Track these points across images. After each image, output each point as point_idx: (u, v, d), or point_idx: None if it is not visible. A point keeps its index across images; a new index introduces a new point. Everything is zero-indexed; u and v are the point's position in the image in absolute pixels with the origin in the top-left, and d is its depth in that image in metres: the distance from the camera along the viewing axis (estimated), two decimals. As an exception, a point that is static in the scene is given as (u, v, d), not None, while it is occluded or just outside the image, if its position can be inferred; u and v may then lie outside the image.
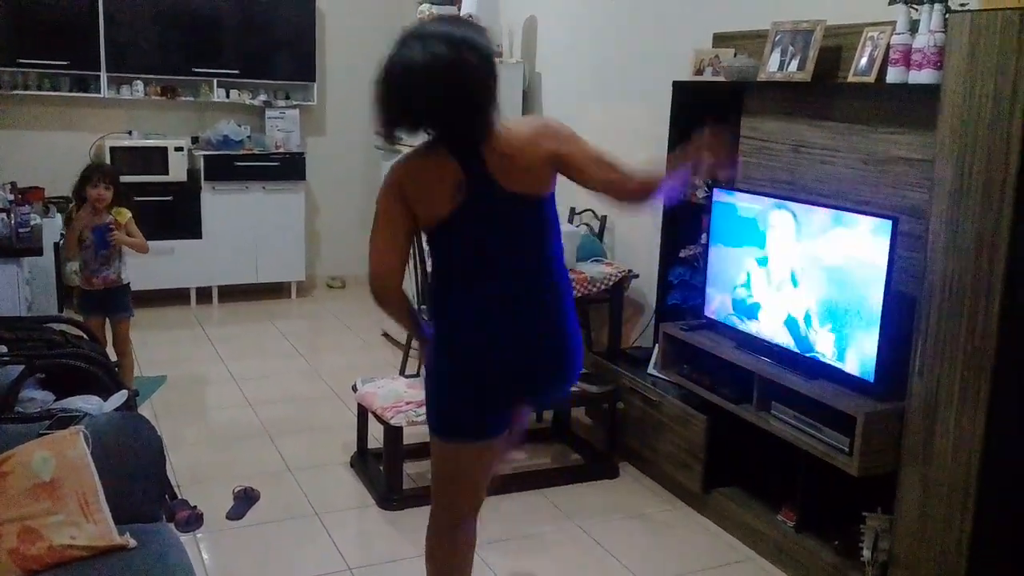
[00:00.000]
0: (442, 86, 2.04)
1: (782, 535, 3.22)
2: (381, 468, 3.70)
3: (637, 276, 4.40)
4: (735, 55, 3.63)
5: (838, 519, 3.09)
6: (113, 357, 3.87)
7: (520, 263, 2.22)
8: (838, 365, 2.98)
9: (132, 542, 2.27)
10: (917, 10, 2.79)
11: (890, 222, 2.78)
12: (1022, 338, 2.49)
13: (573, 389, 3.87)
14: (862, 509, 2.94)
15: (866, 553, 2.89)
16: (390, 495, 3.55)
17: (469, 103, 2.08)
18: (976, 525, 2.55)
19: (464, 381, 2.24)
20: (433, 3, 5.96)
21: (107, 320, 4.29)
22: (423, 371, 2.43)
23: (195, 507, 3.38)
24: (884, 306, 2.80)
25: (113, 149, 6.11)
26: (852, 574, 2.93)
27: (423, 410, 2.74)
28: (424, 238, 2.29)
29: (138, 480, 2.51)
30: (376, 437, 3.85)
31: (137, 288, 6.29)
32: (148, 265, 6.17)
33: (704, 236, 3.69)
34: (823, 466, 2.96)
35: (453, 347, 2.24)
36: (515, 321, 2.21)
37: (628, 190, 2.24)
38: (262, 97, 6.64)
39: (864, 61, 3.00)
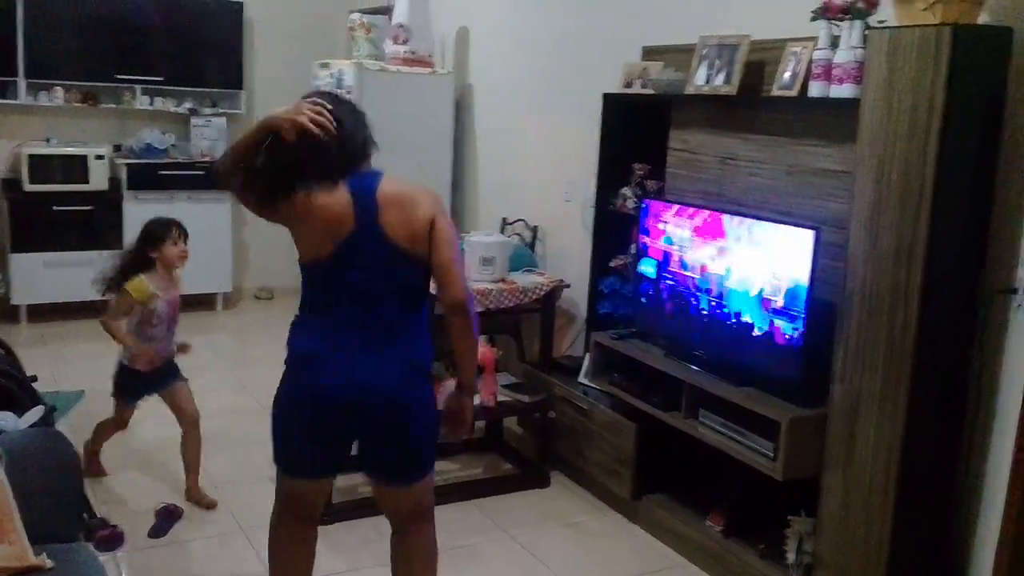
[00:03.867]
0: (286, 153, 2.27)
1: (710, 540, 3.26)
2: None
3: (568, 286, 4.43)
4: (664, 68, 3.69)
5: (764, 523, 3.14)
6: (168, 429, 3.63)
7: (387, 312, 2.35)
8: (764, 372, 3.04)
9: (49, 563, 2.19)
10: (838, 26, 2.87)
11: (812, 232, 2.85)
12: (938, 345, 2.58)
13: (504, 399, 3.87)
14: (787, 513, 2.99)
15: (791, 556, 2.95)
16: (321, 511, 3.48)
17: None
18: (895, 525, 2.62)
19: (287, 415, 2.40)
20: (364, 12, 5.93)
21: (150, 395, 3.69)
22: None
23: (115, 525, 3.27)
24: (806, 314, 2.86)
25: (31, 157, 5.92)
26: (779, 578, 2.99)
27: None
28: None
29: (55, 498, 2.43)
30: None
31: (55, 301, 6.16)
32: (66, 276, 6.02)
33: (633, 246, 3.74)
34: (749, 471, 3.01)
35: (292, 375, 2.39)
36: (368, 369, 2.32)
37: (453, 291, 2.33)
38: (187, 105, 6.50)
39: (787, 75, 3.08)
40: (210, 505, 3.59)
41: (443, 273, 2.31)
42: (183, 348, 3.72)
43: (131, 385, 3.58)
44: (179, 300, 3.54)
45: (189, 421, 3.64)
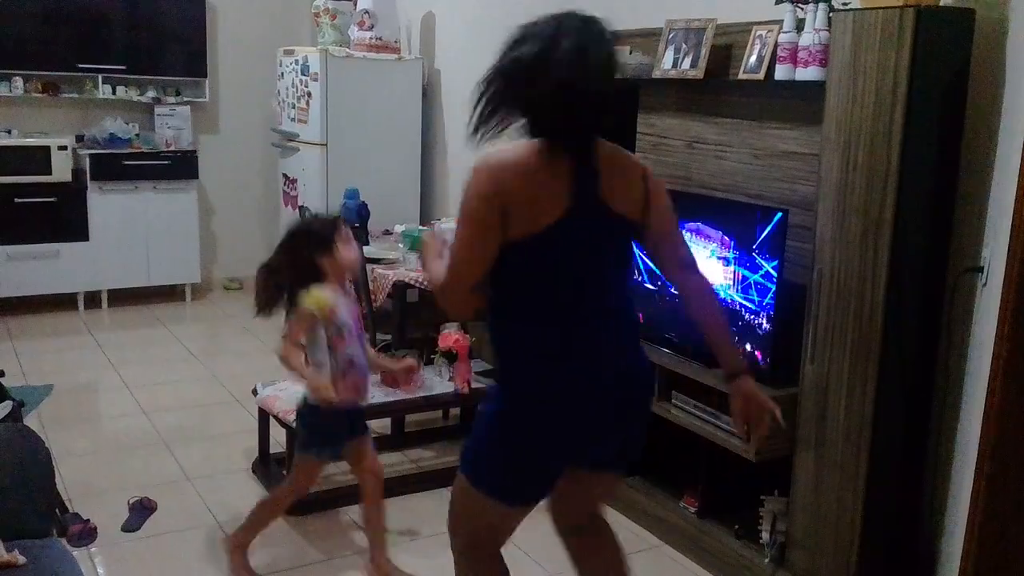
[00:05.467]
0: (611, 76, 1.93)
1: (685, 522, 3.30)
2: (284, 473, 3.63)
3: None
4: (630, 52, 3.69)
5: (738, 504, 3.18)
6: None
7: (615, 292, 2.04)
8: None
9: (21, 559, 2.16)
10: (803, 9, 2.89)
11: (780, 214, 2.88)
12: (906, 324, 2.62)
13: (479, 385, 3.87)
14: (761, 493, 3.03)
15: (765, 535, 2.99)
16: (298, 501, 3.48)
17: (614, 96, 1.95)
18: (866, 503, 2.66)
19: (553, 422, 1.99)
20: (328, -2, 5.87)
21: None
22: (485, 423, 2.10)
23: (88, 520, 3.24)
24: (775, 295, 2.89)
25: (-9, 148, 5.82)
26: (753, 556, 3.03)
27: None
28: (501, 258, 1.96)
29: (26, 494, 2.40)
30: (279, 441, 3.77)
31: (20, 294, 6.07)
32: (31, 269, 5.94)
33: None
34: (723, 452, 3.05)
35: (544, 381, 1.97)
36: (615, 353, 2.02)
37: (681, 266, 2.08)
38: (151, 94, 6.42)
39: (753, 59, 3.10)
40: None
41: (670, 257, 2.07)
42: (409, 371, 3.08)
43: (327, 430, 2.80)
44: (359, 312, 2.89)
45: (378, 478, 2.96)
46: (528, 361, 1.99)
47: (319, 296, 2.65)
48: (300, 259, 2.71)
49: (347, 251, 2.72)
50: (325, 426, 2.79)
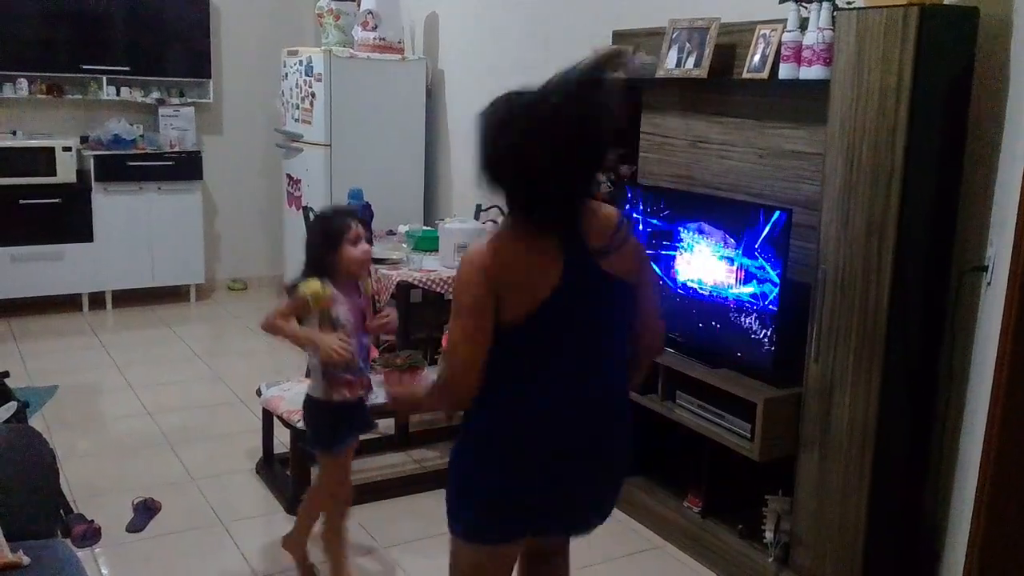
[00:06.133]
0: (601, 138, 1.84)
1: (688, 521, 3.29)
2: (288, 473, 3.63)
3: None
4: (634, 52, 3.68)
5: (742, 503, 3.17)
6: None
7: (608, 360, 1.99)
8: (739, 353, 3.06)
9: (26, 559, 2.17)
10: (807, 8, 2.89)
11: (784, 214, 2.87)
12: (910, 323, 2.61)
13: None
14: (764, 493, 3.03)
15: (769, 535, 2.98)
16: (298, 501, 3.48)
17: (603, 158, 1.90)
18: (870, 503, 2.66)
19: (527, 461, 1.94)
20: (332, -1, 5.88)
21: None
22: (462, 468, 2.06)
23: (92, 521, 3.25)
24: (780, 294, 2.89)
25: (-4, 150, 5.83)
26: (756, 556, 3.02)
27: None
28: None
29: (30, 494, 2.40)
30: (283, 442, 3.77)
31: (24, 295, 6.08)
32: (35, 270, 5.95)
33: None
34: (726, 452, 3.04)
35: (525, 427, 1.93)
36: (603, 425, 1.99)
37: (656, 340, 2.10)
38: (155, 95, 6.43)
39: (757, 58, 3.09)
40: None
41: (651, 320, 2.06)
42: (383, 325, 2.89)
43: (332, 423, 2.79)
44: (369, 309, 2.84)
45: (348, 484, 2.96)
46: (509, 407, 1.94)
47: (316, 286, 2.63)
48: (313, 254, 2.72)
49: (353, 252, 2.68)
50: (326, 423, 2.79)
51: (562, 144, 1.78)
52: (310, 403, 2.81)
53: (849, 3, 2.74)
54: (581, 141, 1.80)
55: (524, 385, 1.93)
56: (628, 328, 2.01)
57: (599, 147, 1.87)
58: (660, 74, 3.46)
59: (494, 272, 1.84)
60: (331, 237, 2.67)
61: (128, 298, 6.41)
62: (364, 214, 4.83)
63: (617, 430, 2.03)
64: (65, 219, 6.04)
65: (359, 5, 5.74)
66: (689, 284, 3.24)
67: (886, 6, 2.48)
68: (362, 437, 2.97)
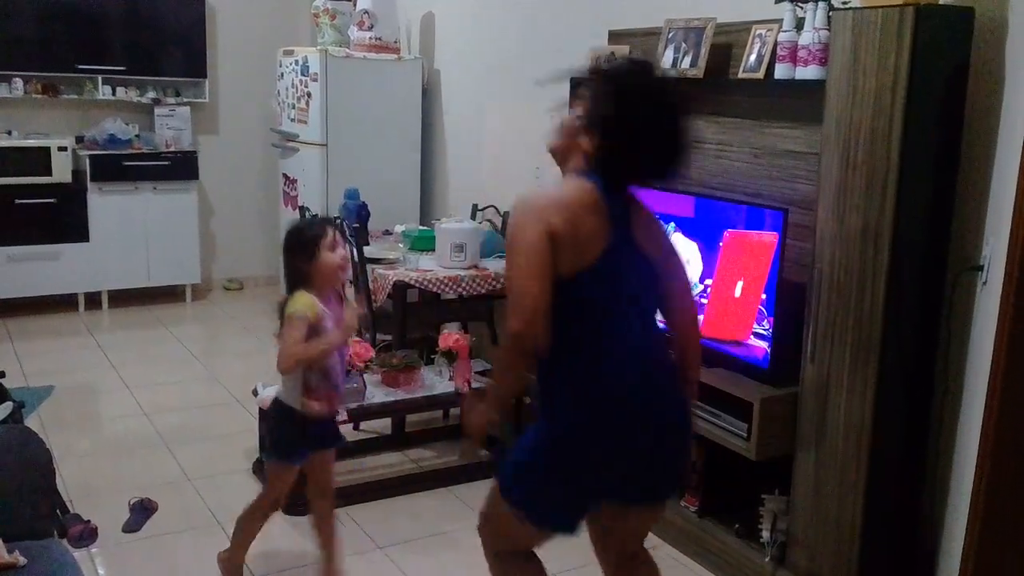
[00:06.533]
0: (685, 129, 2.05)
1: (686, 521, 3.30)
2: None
3: (540, 271, 4.42)
4: (630, 52, 3.68)
5: (738, 503, 3.18)
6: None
7: (655, 327, 2.11)
8: (735, 352, 3.06)
9: (22, 560, 2.17)
10: (802, 8, 2.89)
11: (780, 214, 2.88)
12: (906, 322, 2.62)
13: (479, 385, 3.87)
14: (761, 492, 3.03)
15: (765, 534, 2.99)
16: (295, 500, 3.47)
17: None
18: (867, 502, 2.66)
19: (608, 456, 2.03)
20: (328, -1, 5.87)
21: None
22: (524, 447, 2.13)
23: (88, 521, 3.24)
24: (776, 295, 2.89)
25: (-9, 149, 5.82)
26: (753, 555, 3.02)
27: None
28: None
29: (27, 495, 2.40)
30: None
31: (20, 295, 6.07)
32: (31, 270, 5.93)
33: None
34: (723, 451, 3.05)
35: (604, 415, 2.01)
36: (662, 383, 2.08)
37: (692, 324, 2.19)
38: (150, 94, 6.42)
39: (753, 58, 3.10)
40: None
41: (688, 314, 2.18)
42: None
43: (300, 437, 2.72)
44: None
45: (328, 501, 2.89)
46: (579, 394, 2.03)
47: (307, 299, 2.58)
48: (290, 265, 2.65)
49: (333, 255, 2.62)
50: (299, 433, 2.70)
51: (678, 127, 2.01)
52: (279, 408, 2.71)
53: (845, 3, 2.75)
54: (684, 133, 2.03)
55: (587, 350, 2.00)
56: (661, 305, 2.13)
57: (686, 145, 2.06)
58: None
59: (549, 216, 1.93)
60: (308, 245, 2.61)
61: (124, 298, 6.40)
62: (361, 214, 4.84)
63: (673, 394, 2.11)
64: (61, 219, 6.03)
65: (355, 5, 5.73)
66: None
67: (882, 6, 2.49)
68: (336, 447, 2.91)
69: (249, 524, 2.88)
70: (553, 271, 1.93)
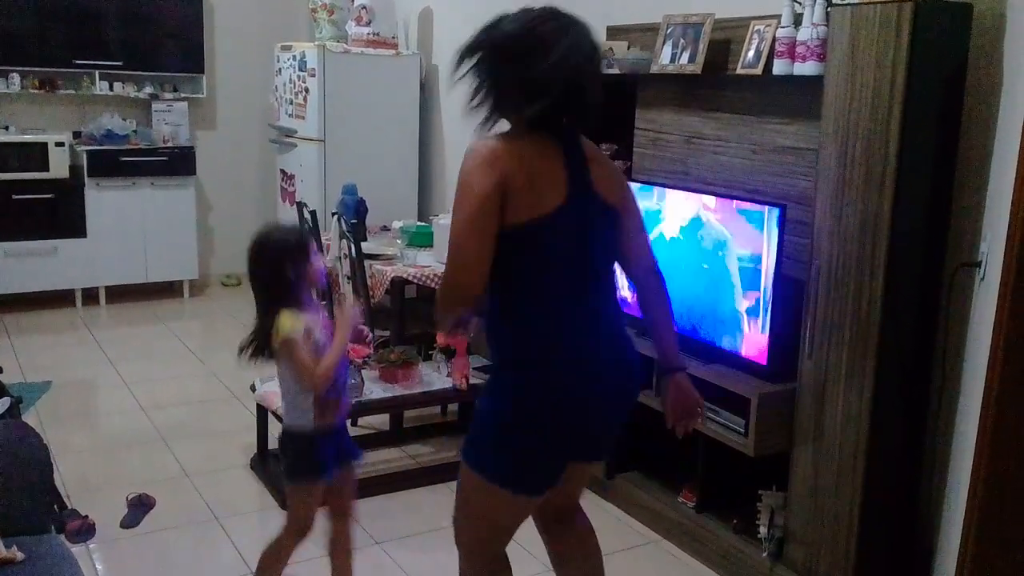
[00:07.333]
0: (598, 70, 2.02)
1: (683, 516, 3.30)
2: (283, 469, 3.63)
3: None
4: (628, 48, 3.68)
5: (736, 498, 3.18)
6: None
7: (610, 279, 2.08)
8: (733, 349, 3.06)
9: (20, 555, 2.17)
10: (801, 4, 2.89)
11: (778, 209, 2.88)
12: (903, 318, 2.62)
13: (477, 381, 3.88)
14: (758, 488, 3.04)
15: (763, 530, 2.99)
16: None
17: (599, 88, 1.99)
18: (864, 498, 2.67)
19: (560, 414, 1.97)
20: (325, -7, 5.86)
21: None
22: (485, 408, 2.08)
23: (86, 516, 3.24)
24: (773, 291, 2.89)
25: (-12, 145, 5.81)
26: (750, 551, 3.03)
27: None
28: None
29: (24, 490, 2.40)
30: (277, 438, 3.76)
31: (17, 291, 6.06)
32: (28, 266, 5.93)
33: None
34: (721, 447, 3.05)
35: (551, 372, 1.96)
36: (613, 343, 2.05)
37: (651, 272, 2.15)
38: (148, 90, 6.41)
39: (751, 54, 3.09)
40: None
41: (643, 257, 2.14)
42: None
43: (312, 456, 2.53)
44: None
45: (348, 520, 2.71)
46: (532, 352, 1.97)
47: (289, 319, 2.40)
48: (275, 278, 2.43)
49: (317, 264, 2.50)
50: (310, 452, 2.53)
51: (595, 68, 2.00)
52: (287, 434, 2.59)
53: (843, -1, 2.74)
54: (597, 75, 2.01)
55: (536, 304, 1.96)
56: (619, 255, 2.09)
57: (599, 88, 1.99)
58: (654, 69, 3.46)
59: (503, 165, 1.87)
60: (300, 252, 2.44)
61: (122, 293, 6.39)
62: (359, 209, 4.83)
63: (622, 354, 2.07)
64: (58, 214, 6.02)
65: (353, 0, 5.73)
66: (682, 279, 3.24)
67: (880, 2, 2.49)
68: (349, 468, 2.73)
69: (273, 562, 2.62)
70: (502, 221, 1.87)
